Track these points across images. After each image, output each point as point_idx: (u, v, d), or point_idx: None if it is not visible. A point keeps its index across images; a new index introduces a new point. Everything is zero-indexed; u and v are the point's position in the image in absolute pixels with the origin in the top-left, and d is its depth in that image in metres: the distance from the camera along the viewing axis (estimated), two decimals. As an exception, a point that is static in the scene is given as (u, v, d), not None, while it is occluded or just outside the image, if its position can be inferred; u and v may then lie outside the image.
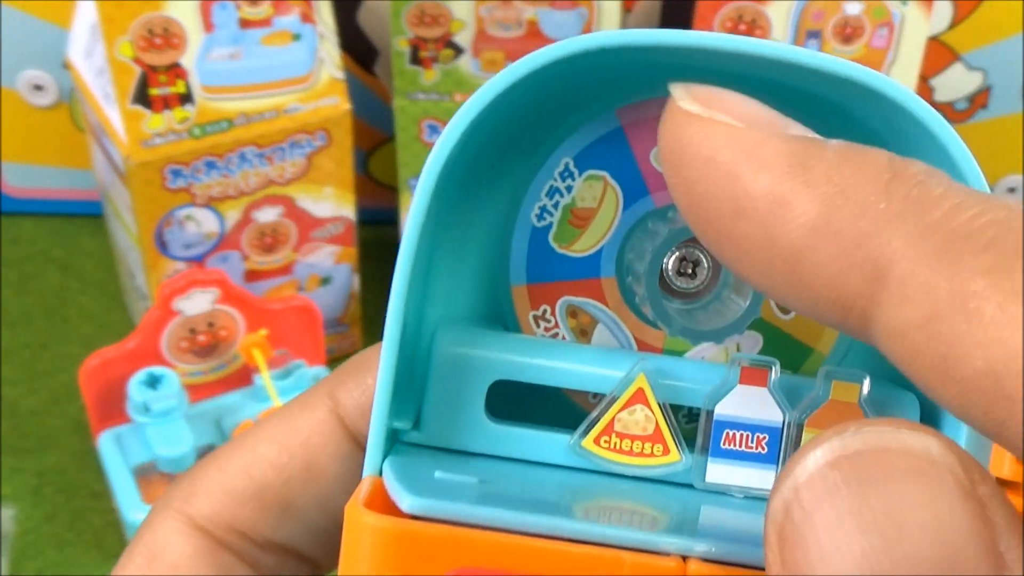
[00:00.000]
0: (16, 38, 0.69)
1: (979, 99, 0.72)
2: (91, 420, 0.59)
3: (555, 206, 0.18)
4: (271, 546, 0.19)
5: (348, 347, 0.69)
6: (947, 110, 0.73)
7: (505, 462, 0.18)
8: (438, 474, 0.16)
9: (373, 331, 0.70)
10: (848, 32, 0.59)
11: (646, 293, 0.17)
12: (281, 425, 0.19)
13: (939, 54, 0.70)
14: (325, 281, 0.66)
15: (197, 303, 0.59)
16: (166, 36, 0.55)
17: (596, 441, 0.18)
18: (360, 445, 0.19)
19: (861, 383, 0.17)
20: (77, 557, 0.58)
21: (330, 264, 0.66)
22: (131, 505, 0.56)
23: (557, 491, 0.17)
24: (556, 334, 0.18)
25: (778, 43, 0.16)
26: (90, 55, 0.59)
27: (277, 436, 0.19)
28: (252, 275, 0.63)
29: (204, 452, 0.59)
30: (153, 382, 0.57)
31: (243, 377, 0.62)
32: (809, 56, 0.15)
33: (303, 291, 0.66)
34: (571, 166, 0.18)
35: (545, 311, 0.18)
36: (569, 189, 0.18)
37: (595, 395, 0.18)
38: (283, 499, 0.19)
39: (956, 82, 0.71)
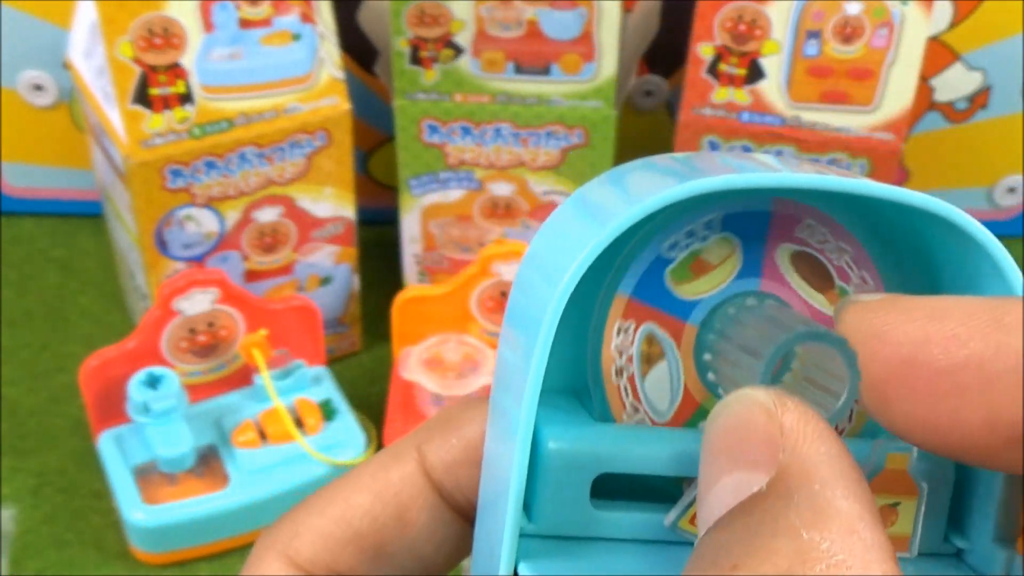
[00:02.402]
0: (16, 38, 0.69)
1: (979, 99, 0.72)
2: (91, 420, 0.59)
3: (686, 247, 0.19)
4: None
5: (348, 347, 0.69)
6: (947, 110, 0.73)
7: (615, 543, 0.19)
8: None
9: (373, 331, 0.70)
10: (848, 32, 0.59)
11: (761, 371, 0.18)
12: (375, 476, 0.21)
13: (939, 54, 0.70)
14: (325, 281, 0.66)
15: (197, 303, 0.59)
16: (166, 36, 0.55)
17: (692, 521, 0.19)
18: (443, 497, 0.21)
19: (910, 453, 0.19)
20: (77, 557, 0.58)
21: (330, 264, 0.66)
22: (131, 505, 0.56)
23: None
24: (629, 354, 0.20)
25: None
26: (90, 55, 0.59)
27: (372, 487, 0.21)
28: (252, 275, 0.63)
29: (204, 452, 0.59)
30: (153, 382, 0.57)
31: (243, 377, 0.62)
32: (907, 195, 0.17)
33: (303, 291, 0.66)
34: (716, 222, 0.19)
35: (630, 326, 0.19)
36: (705, 239, 0.19)
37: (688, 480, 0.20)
38: (377, 545, 0.21)
39: (956, 82, 0.71)
